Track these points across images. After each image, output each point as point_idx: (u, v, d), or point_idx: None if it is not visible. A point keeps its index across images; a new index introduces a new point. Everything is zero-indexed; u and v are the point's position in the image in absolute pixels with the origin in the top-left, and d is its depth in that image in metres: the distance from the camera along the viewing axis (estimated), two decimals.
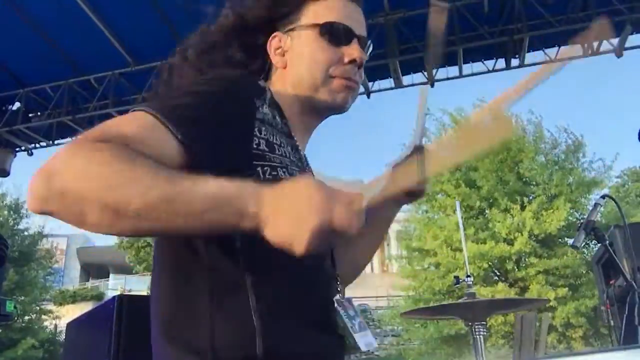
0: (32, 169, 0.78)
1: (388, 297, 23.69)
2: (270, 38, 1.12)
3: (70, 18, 5.24)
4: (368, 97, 6.13)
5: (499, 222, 14.33)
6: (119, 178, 0.74)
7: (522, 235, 13.91)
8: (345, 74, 1.09)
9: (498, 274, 15.03)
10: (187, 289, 0.92)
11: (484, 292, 13.07)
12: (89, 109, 6.31)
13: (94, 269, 32.46)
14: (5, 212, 19.28)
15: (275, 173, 0.96)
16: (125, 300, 2.33)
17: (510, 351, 11.29)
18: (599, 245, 3.47)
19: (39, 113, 6.67)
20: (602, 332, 12.84)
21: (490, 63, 5.96)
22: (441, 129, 16.39)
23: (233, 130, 0.93)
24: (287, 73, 1.11)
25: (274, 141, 0.99)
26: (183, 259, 0.94)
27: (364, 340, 1.04)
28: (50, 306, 21.13)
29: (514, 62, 5.83)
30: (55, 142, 6.94)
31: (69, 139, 6.97)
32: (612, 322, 3.83)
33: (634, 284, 2.40)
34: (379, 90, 6.21)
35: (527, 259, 14.44)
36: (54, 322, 19.76)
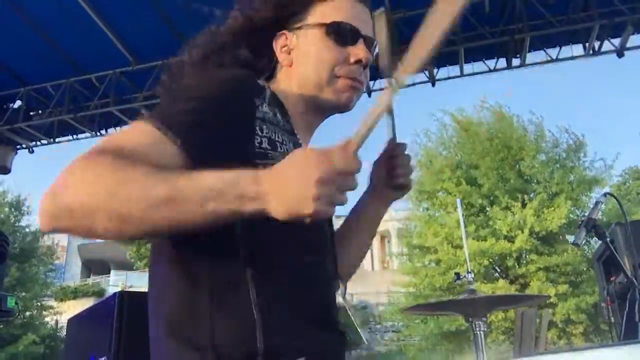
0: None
1: (389, 293, 23.68)
2: (277, 36, 1.13)
3: (71, 17, 5.24)
4: (369, 95, 6.12)
5: (499, 219, 14.33)
6: (119, 185, 0.77)
7: (522, 232, 13.92)
8: (351, 74, 1.09)
9: (499, 270, 15.05)
10: (187, 285, 0.93)
11: (484, 289, 13.07)
12: (90, 107, 6.31)
13: (95, 265, 32.47)
14: (7, 209, 19.33)
15: None
16: (126, 297, 2.34)
17: (511, 347, 11.30)
18: (599, 242, 3.48)
19: (40, 111, 6.68)
20: (603, 328, 12.85)
21: (491, 63, 5.96)
22: (442, 129, 16.43)
23: (234, 131, 0.93)
24: (293, 71, 1.11)
25: (276, 139, 1.00)
26: (182, 255, 0.95)
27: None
28: (51, 302, 21.16)
29: (515, 61, 5.83)
30: (56, 140, 6.96)
31: (69, 137, 7.00)
32: (612, 319, 3.83)
33: (634, 280, 2.40)
34: (380, 89, 6.20)
35: (527, 256, 14.46)
36: (54, 318, 19.82)
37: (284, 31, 1.12)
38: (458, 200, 3.71)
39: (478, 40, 5.49)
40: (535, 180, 14.90)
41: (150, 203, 0.76)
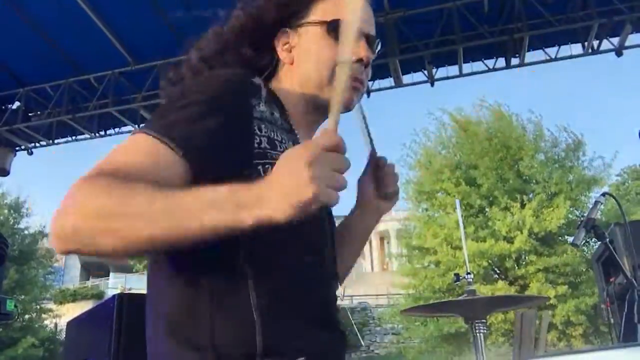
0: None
1: (388, 295, 23.70)
2: (279, 34, 1.12)
3: (70, 17, 5.24)
4: (368, 96, 6.12)
5: (499, 220, 14.33)
6: (120, 205, 0.78)
7: (522, 233, 13.91)
8: (352, 73, 1.08)
9: (498, 272, 15.03)
10: (187, 285, 0.93)
11: (484, 290, 13.05)
12: (89, 108, 6.31)
13: (94, 268, 32.47)
14: (6, 211, 19.31)
15: None
16: (125, 299, 2.33)
17: (511, 349, 11.29)
18: (599, 243, 3.48)
19: (39, 112, 6.68)
20: (602, 330, 12.84)
21: (490, 62, 5.97)
22: (441, 129, 16.45)
23: (233, 133, 0.93)
24: (294, 69, 1.11)
25: (275, 138, 0.99)
26: (182, 256, 0.93)
27: None
28: (51, 305, 21.16)
29: (514, 61, 5.85)
30: (55, 141, 6.96)
31: (68, 138, 6.99)
32: (612, 320, 3.83)
33: (634, 281, 2.39)
34: (379, 89, 6.21)
35: (527, 257, 14.45)
36: (54, 320, 19.78)
37: (285, 29, 1.12)
38: (457, 201, 3.70)
39: (477, 40, 5.50)
40: (534, 180, 14.89)
41: (150, 220, 0.77)
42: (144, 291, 1.06)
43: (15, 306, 4.15)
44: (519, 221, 14.14)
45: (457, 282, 2.79)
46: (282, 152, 0.97)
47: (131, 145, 0.89)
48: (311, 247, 1.01)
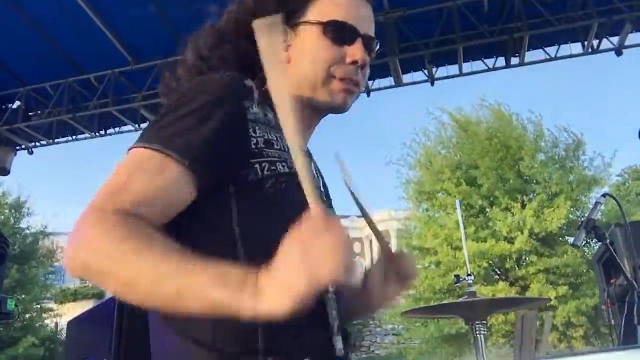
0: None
1: None
2: None
3: (70, 17, 5.24)
4: (368, 95, 6.13)
5: (499, 220, 14.32)
6: (131, 258, 0.78)
7: (522, 234, 13.90)
8: (347, 74, 1.07)
9: (499, 273, 15.02)
10: None
11: (484, 291, 13.06)
12: (89, 107, 6.31)
13: None
14: (7, 211, 19.30)
15: (274, 168, 0.97)
16: None
17: (511, 350, 11.30)
18: (599, 244, 3.47)
19: (39, 112, 6.68)
20: (603, 331, 12.83)
21: (490, 62, 5.97)
22: (441, 129, 16.44)
23: (230, 138, 0.94)
24: (291, 69, 1.10)
25: (270, 138, 1.00)
26: None
27: None
28: (51, 304, 21.14)
29: (514, 60, 5.85)
30: (56, 140, 6.96)
31: (69, 138, 6.99)
32: (613, 322, 3.83)
33: (634, 283, 2.39)
34: (379, 89, 6.21)
35: (527, 258, 14.44)
36: (55, 320, 19.76)
37: (284, 27, 1.11)
38: (458, 202, 3.70)
39: (477, 39, 5.50)
40: (534, 181, 14.89)
41: (157, 284, 0.78)
42: None
43: (16, 306, 4.15)
44: (520, 222, 14.13)
45: (458, 284, 2.79)
46: (278, 150, 0.99)
47: (136, 166, 0.88)
48: None
